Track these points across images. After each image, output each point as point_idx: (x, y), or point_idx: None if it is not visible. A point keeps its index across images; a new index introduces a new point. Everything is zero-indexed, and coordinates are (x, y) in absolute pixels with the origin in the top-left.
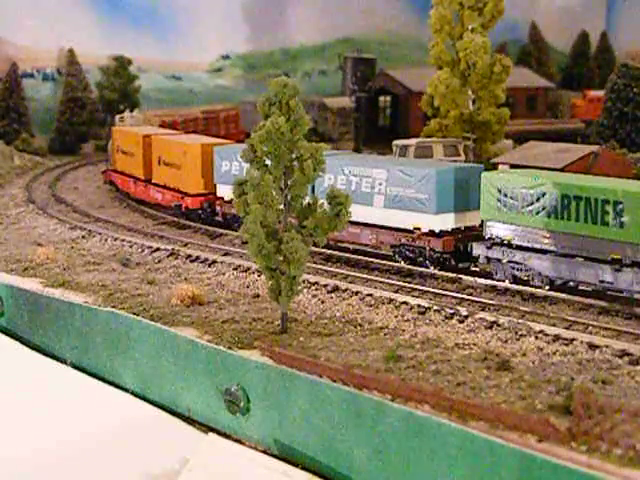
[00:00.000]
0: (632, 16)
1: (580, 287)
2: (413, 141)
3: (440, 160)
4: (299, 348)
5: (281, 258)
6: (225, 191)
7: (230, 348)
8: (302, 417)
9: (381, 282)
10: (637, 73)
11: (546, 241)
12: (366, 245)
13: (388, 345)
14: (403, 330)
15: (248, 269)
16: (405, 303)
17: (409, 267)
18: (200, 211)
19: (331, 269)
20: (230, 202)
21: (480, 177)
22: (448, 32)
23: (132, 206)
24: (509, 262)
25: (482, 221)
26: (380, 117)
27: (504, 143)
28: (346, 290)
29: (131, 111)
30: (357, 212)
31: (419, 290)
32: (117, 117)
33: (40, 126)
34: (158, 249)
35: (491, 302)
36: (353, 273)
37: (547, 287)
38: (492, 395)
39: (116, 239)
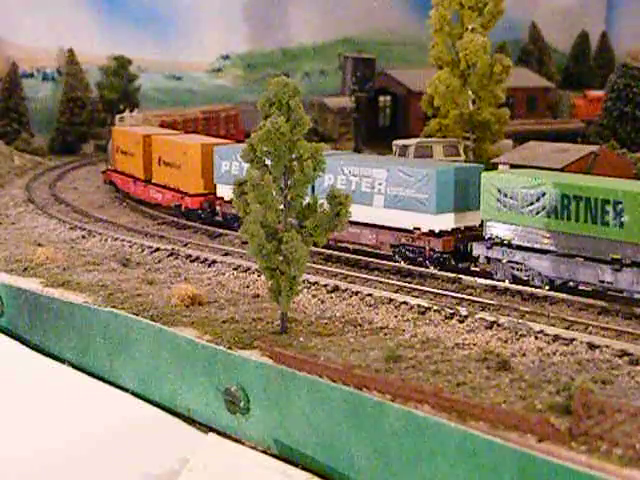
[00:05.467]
0: (632, 16)
1: (580, 287)
2: (413, 141)
3: (440, 160)
4: (299, 348)
5: (281, 258)
6: (225, 191)
7: (230, 348)
8: (302, 417)
9: (381, 282)
10: (637, 73)
11: (546, 241)
12: (366, 245)
13: (388, 345)
14: (403, 330)
15: (248, 269)
16: (405, 303)
17: (409, 267)
18: (200, 211)
19: (331, 269)
20: (230, 202)
21: (480, 177)
22: (448, 32)
23: (132, 206)
24: (509, 262)
25: (482, 221)
26: (380, 117)
27: (504, 143)
28: (346, 290)
29: (131, 111)
30: (357, 212)
31: (419, 290)
32: (117, 117)
33: (40, 126)
34: (158, 249)
35: (491, 302)
36: (353, 273)
37: (547, 287)
38: (492, 395)
39: (116, 239)
